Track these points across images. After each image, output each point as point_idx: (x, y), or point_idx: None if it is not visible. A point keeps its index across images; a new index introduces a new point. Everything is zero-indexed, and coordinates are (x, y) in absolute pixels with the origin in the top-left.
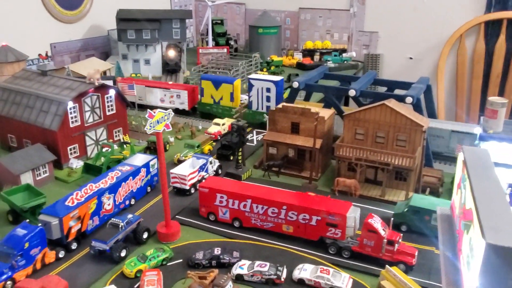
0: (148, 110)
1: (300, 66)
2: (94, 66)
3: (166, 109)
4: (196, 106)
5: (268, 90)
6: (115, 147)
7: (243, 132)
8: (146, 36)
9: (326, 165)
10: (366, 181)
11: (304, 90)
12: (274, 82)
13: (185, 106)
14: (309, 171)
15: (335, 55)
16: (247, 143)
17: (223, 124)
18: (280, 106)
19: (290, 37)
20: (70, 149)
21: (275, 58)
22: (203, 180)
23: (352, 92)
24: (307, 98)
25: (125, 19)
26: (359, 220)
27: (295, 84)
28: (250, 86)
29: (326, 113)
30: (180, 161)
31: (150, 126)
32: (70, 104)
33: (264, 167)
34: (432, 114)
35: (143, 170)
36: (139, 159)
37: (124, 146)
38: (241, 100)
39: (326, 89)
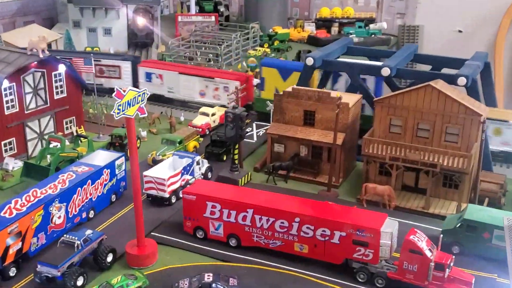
0: (116, 87)
1: (312, 40)
2: (34, 36)
3: (211, 106)
4: (252, 104)
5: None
6: (67, 142)
7: (241, 123)
8: None
9: (350, 167)
10: (404, 189)
11: (320, 68)
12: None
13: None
14: (327, 175)
15: (359, 27)
16: (245, 139)
17: (213, 114)
18: (289, 89)
19: (299, 2)
20: (5, 145)
21: (280, 30)
22: (188, 185)
23: (385, 71)
24: (324, 80)
25: None
26: (397, 237)
27: (309, 61)
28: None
29: (351, 98)
30: (156, 162)
31: (119, 110)
32: (5, 83)
33: (268, 170)
34: (490, 101)
35: (106, 172)
36: (100, 157)
37: (79, 141)
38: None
39: (351, 66)
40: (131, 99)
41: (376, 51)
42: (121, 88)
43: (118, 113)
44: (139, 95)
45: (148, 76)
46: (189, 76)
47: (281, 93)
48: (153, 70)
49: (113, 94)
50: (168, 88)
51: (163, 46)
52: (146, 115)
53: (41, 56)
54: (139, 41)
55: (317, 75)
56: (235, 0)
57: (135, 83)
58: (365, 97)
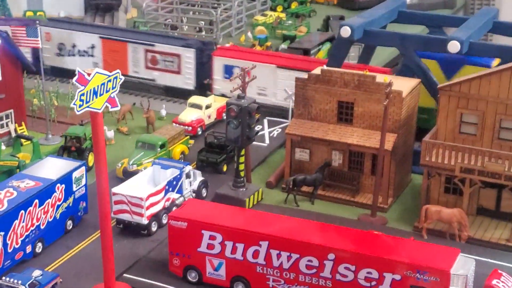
0: (78, 69)
1: (346, 2)
2: None
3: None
4: None
5: None
6: (3, 146)
7: (250, 119)
8: None
9: (404, 182)
10: (480, 213)
11: (361, 42)
12: None
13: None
14: (371, 194)
15: None
16: (254, 141)
17: (207, 107)
18: (317, 71)
19: None
20: None
21: None
22: (176, 207)
23: (454, 46)
24: (365, 58)
25: None
26: (473, 282)
27: (345, 32)
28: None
29: (405, 84)
30: (129, 174)
31: (82, 101)
32: None
33: (287, 186)
34: None
35: (60, 189)
36: (51, 167)
37: (20, 143)
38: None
39: (404, 40)
40: (98, 86)
41: (439, 18)
42: (84, 71)
43: (80, 105)
44: (110, 80)
45: (229, 71)
46: (294, 72)
47: (305, 76)
48: (237, 61)
49: (74, 79)
50: (258, 89)
51: (134, 9)
52: (118, 107)
53: None
54: (100, 3)
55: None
56: None
57: (204, 80)
58: (425, 82)
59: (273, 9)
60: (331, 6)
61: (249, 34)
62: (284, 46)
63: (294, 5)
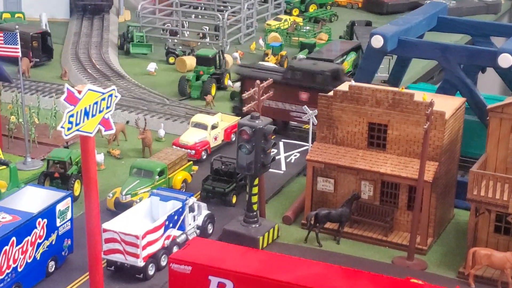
0: (67, 86)
1: (373, 5)
2: None
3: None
4: None
5: None
6: None
7: (265, 143)
8: None
9: (446, 219)
10: None
11: (395, 53)
12: None
13: None
14: (407, 233)
15: None
16: (269, 169)
17: (214, 127)
18: (344, 87)
19: None
20: None
21: None
22: (178, 248)
23: (506, 60)
24: (398, 71)
25: None
26: None
27: (377, 41)
28: None
29: (448, 104)
30: (121, 206)
31: (71, 123)
32: None
33: (308, 222)
34: None
35: (41, 224)
36: (31, 198)
37: None
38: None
39: (446, 51)
40: (90, 106)
41: (486, 26)
42: (73, 87)
43: (69, 128)
44: (104, 99)
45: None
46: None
47: (330, 93)
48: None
49: (61, 98)
50: None
51: (128, 12)
52: (113, 130)
53: None
54: (88, 4)
55: None
56: None
57: None
58: (471, 102)
59: (288, 12)
60: (355, 9)
61: (261, 41)
62: (302, 56)
63: (312, 8)
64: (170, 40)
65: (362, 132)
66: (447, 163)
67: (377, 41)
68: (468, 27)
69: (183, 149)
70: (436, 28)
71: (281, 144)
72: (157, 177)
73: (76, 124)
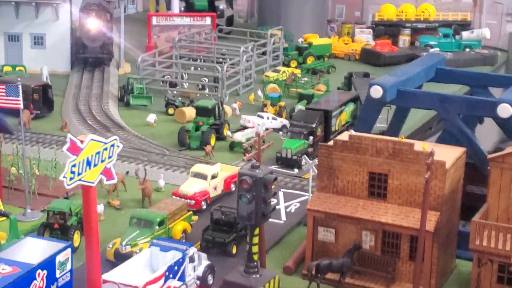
0: (70, 136)
1: (369, 56)
2: None
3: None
4: None
5: None
6: None
7: (265, 193)
8: None
9: (448, 270)
10: None
11: (394, 103)
12: None
13: None
14: (409, 283)
15: (445, 36)
16: (270, 218)
17: (213, 177)
18: (343, 137)
19: None
20: None
21: (316, 40)
22: None
23: (505, 110)
24: (397, 121)
25: None
26: None
27: (376, 92)
28: None
29: (448, 153)
30: (121, 256)
31: (73, 173)
32: None
33: (309, 272)
34: None
35: (41, 276)
36: (31, 249)
37: None
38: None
39: (445, 102)
40: (92, 156)
41: (484, 77)
42: (76, 137)
43: (71, 178)
44: (106, 149)
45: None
46: None
47: (330, 143)
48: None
49: (64, 148)
50: None
51: (128, 64)
52: (115, 180)
53: None
54: (89, 56)
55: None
56: None
57: None
58: (471, 151)
59: (286, 64)
60: (352, 61)
61: (259, 92)
62: (300, 106)
63: (310, 60)
64: (169, 92)
65: (362, 181)
66: (448, 213)
67: (376, 92)
68: (467, 78)
69: (183, 199)
70: (434, 79)
71: (280, 194)
72: (157, 227)
73: (78, 174)
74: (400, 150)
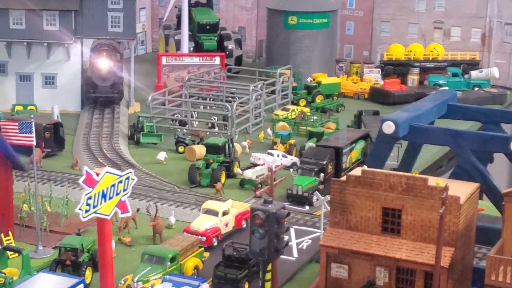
0: (86, 168)
1: (378, 95)
2: None
3: None
4: None
5: None
6: None
7: (278, 228)
8: (50, 25)
9: None
10: None
11: (406, 139)
12: None
13: None
14: None
15: (454, 75)
16: (282, 254)
17: (224, 214)
18: (356, 172)
19: (355, 36)
20: None
21: (324, 79)
22: None
23: None
24: (409, 158)
25: None
26: None
27: (388, 127)
28: None
29: (462, 189)
30: None
31: (88, 205)
32: None
33: None
34: None
35: None
36: (43, 285)
37: (7, 256)
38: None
39: (458, 137)
40: (107, 188)
41: (496, 113)
42: (92, 170)
43: (87, 210)
44: (121, 182)
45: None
46: None
47: (343, 178)
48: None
49: (80, 180)
50: None
51: (137, 104)
52: (129, 213)
53: None
54: (100, 96)
55: None
56: (251, 33)
57: None
58: (484, 187)
59: (295, 103)
60: (361, 100)
61: (269, 130)
62: (311, 144)
63: (319, 99)
64: (179, 130)
65: (376, 217)
66: (463, 248)
67: (389, 127)
68: (479, 114)
69: (194, 236)
70: (446, 115)
71: (292, 230)
72: (169, 263)
73: (94, 206)
74: (414, 185)
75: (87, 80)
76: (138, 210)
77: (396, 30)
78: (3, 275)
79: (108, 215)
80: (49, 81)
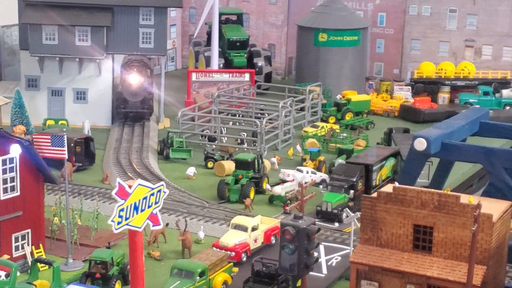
0: (119, 180)
1: (408, 113)
2: None
3: None
4: None
5: None
6: (18, 272)
7: (308, 244)
8: (82, 40)
9: None
10: None
11: (438, 156)
12: None
13: None
14: None
15: (485, 93)
16: (312, 270)
17: (253, 229)
18: (387, 188)
19: (385, 53)
20: None
21: (354, 96)
22: None
23: None
24: (440, 176)
25: (38, 2)
26: None
27: (420, 144)
28: None
29: (495, 207)
30: None
31: (121, 217)
32: None
33: None
34: None
35: None
36: None
37: (38, 269)
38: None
39: (491, 155)
40: (139, 201)
41: None
42: (124, 181)
43: (119, 222)
44: (153, 194)
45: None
46: None
47: (374, 195)
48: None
49: (113, 192)
50: None
51: (167, 119)
52: (161, 226)
53: None
54: (130, 111)
55: None
56: (281, 51)
57: None
58: None
59: (325, 120)
60: (391, 118)
61: (298, 147)
62: (341, 160)
63: (348, 116)
64: (208, 146)
65: (407, 234)
66: (495, 267)
67: (421, 144)
68: (511, 132)
69: (224, 251)
70: (478, 133)
71: (321, 247)
72: (198, 277)
73: (126, 218)
74: (446, 203)
75: (117, 96)
76: (167, 225)
77: (427, 48)
78: (33, 286)
79: (139, 227)
80: (81, 96)
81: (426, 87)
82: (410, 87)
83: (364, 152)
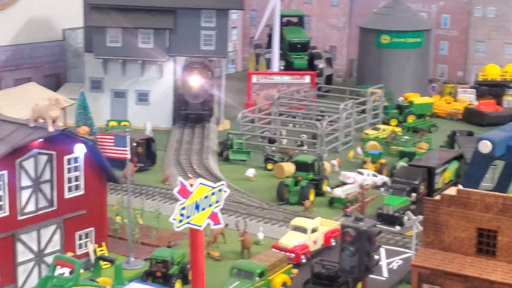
0: (180, 179)
1: (472, 116)
2: (31, 101)
3: None
4: None
5: None
6: (81, 270)
7: (369, 246)
8: (145, 43)
9: None
10: None
11: (503, 159)
12: None
13: None
14: None
15: None
16: (373, 272)
17: (313, 231)
18: (451, 191)
19: (448, 56)
20: None
21: (417, 99)
22: None
23: None
24: (505, 179)
25: (103, 5)
26: None
27: (485, 147)
28: None
29: None
30: None
31: (182, 216)
32: None
33: None
34: None
35: None
36: None
37: (100, 266)
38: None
39: None
40: (200, 199)
41: None
42: (186, 180)
43: (180, 220)
44: (214, 193)
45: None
46: None
47: (437, 197)
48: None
49: (174, 190)
50: None
51: (227, 121)
52: (221, 225)
53: (50, 130)
54: (191, 113)
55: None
56: (342, 52)
57: None
58: None
59: (386, 122)
60: (454, 121)
61: (359, 149)
62: (403, 163)
63: (411, 119)
64: (268, 147)
65: (470, 238)
66: None
67: (485, 146)
68: None
69: (283, 252)
70: None
71: (382, 250)
72: (257, 278)
73: (187, 217)
74: (511, 206)
75: (178, 97)
76: (226, 225)
77: (492, 50)
78: (96, 284)
79: (200, 226)
80: (143, 97)
81: (491, 89)
82: (474, 90)
83: (427, 155)
